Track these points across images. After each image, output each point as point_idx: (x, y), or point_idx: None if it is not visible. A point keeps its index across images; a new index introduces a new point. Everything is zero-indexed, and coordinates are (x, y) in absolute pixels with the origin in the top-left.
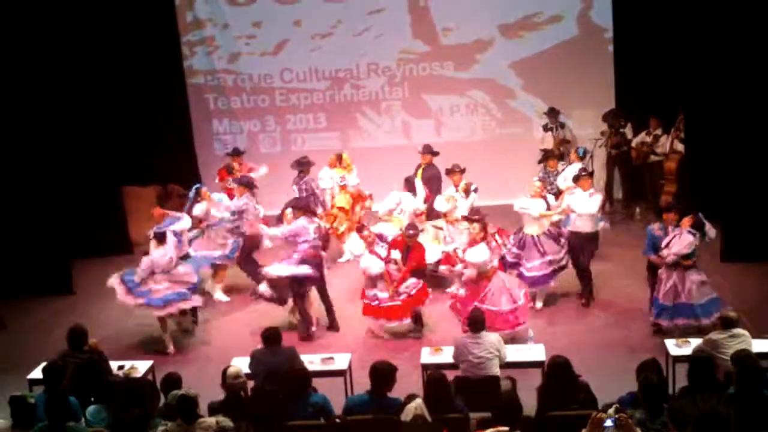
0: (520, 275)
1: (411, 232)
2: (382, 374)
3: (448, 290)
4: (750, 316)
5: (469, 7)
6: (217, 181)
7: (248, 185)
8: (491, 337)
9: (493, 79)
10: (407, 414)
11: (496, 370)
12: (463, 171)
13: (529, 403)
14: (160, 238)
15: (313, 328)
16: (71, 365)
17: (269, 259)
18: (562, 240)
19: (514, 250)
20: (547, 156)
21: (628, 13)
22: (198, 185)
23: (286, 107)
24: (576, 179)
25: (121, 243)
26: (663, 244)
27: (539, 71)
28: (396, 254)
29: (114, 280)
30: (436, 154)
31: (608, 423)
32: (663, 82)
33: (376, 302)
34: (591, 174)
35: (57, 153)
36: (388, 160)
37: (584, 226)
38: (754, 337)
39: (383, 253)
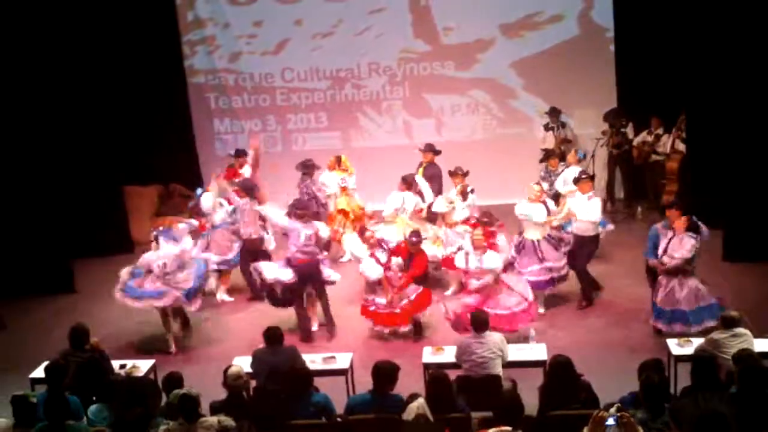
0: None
1: (414, 239)
2: (385, 373)
3: (446, 293)
4: (751, 315)
5: (470, 6)
6: (221, 178)
7: (248, 189)
8: (494, 337)
9: (494, 79)
10: (409, 413)
11: (498, 370)
12: (465, 174)
13: (530, 403)
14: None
15: (314, 328)
16: (73, 364)
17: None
18: (563, 247)
19: (513, 253)
20: (548, 155)
21: (629, 13)
22: (201, 190)
23: (287, 107)
24: (576, 182)
25: (122, 242)
26: (661, 249)
27: (540, 71)
28: (398, 261)
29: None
30: (437, 152)
31: (610, 422)
32: (664, 81)
33: (374, 308)
34: (591, 177)
35: (58, 152)
36: (389, 160)
37: (585, 230)
38: (755, 336)
39: (383, 258)
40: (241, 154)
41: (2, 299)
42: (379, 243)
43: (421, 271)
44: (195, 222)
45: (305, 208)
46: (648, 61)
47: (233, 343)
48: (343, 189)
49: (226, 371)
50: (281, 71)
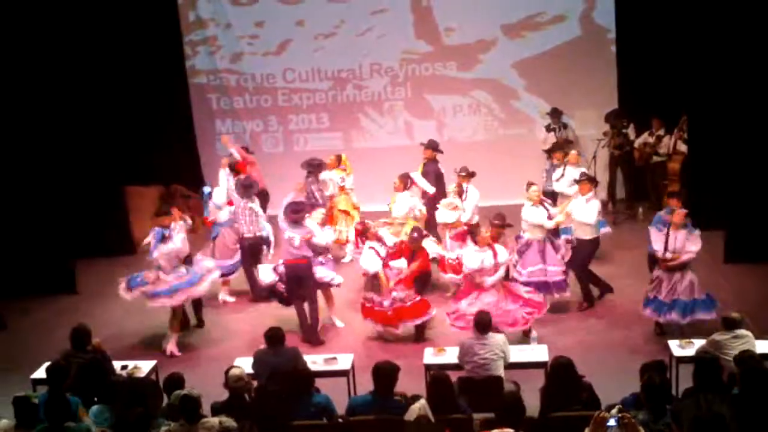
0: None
1: (416, 235)
2: (385, 374)
3: (447, 294)
4: (752, 317)
5: (472, 7)
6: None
7: (245, 188)
8: (497, 338)
9: (495, 80)
10: (411, 414)
11: (500, 371)
12: (471, 174)
13: (532, 404)
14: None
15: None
16: (74, 365)
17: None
18: (561, 251)
19: (515, 256)
20: (554, 149)
21: (630, 14)
22: (209, 189)
23: (289, 107)
24: (576, 182)
25: (123, 243)
26: (661, 245)
27: (542, 71)
28: (401, 263)
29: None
30: (437, 150)
31: (611, 422)
32: (666, 82)
33: (370, 305)
34: (591, 179)
35: (60, 153)
36: (390, 161)
37: (583, 233)
38: (757, 338)
39: (383, 251)
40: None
41: (4, 299)
42: (377, 239)
43: (424, 269)
44: (189, 220)
45: (300, 211)
46: (649, 63)
47: (234, 343)
48: (341, 188)
49: (227, 372)
50: (283, 72)
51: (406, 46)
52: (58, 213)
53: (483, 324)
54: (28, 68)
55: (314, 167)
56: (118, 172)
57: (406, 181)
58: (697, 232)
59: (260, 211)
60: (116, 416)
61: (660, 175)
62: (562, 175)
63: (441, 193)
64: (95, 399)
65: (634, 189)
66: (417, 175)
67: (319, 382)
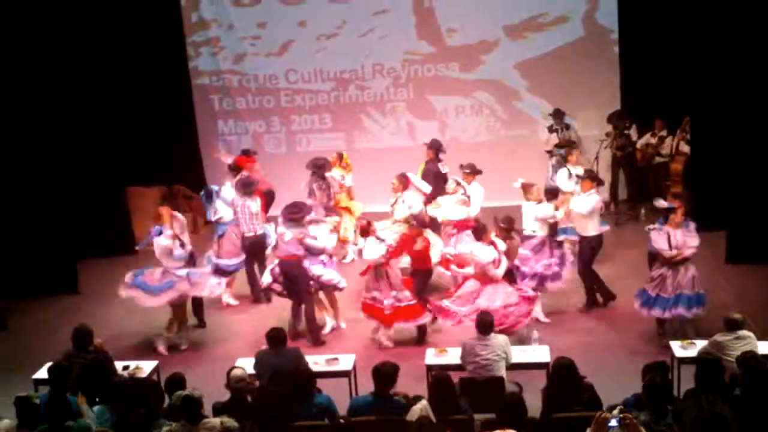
0: (519, 271)
1: (415, 222)
2: (384, 374)
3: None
4: (754, 318)
5: (474, 7)
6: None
7: (243, 186)
8: (499, 339)
9: (498, 81)
10: (412, 415)
11: (502, 372)
12: (475, 172)
13: (533, 405)
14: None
15: (325, 330)
16: (76, 365)
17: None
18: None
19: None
20: (563, 145)
21: (633, 15)
22: (215, 187)
23: (291, 108)
24: (579, 178)
25: (125, 243)
26: (666, 245)
27: (544, 72)
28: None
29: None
30: (440, 151)
31: (613, 423)
32: (668, 83)
33: (371, 301)
34: (593, 177)
35: (62, 153)
36: (392, 162)
37: (582, 229)
38: (759, 338)
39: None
40: (246, 153)
41: (6, 300)
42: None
43: (424, 263)
44: (182, 217)
45: (298, 212)
46: (652, 63)
47: (236, 344)
48: (341, 186)
49: (229, 373)
50: (285, 72)
51: (408, 46)
52: (61, 213)
53: (484, 325)
54: (32, 69)
55: (318, 168)
56: (120, 172)
57: (404, 182)
58: (693, 225)
59: (258, 210)
60: (118, 416)
61: (662, 176)
62: (570, 174)
63: (438, 193)
64: (97, 399)
65: (637, 190)
66: (413, 176)
67: (321, 383)
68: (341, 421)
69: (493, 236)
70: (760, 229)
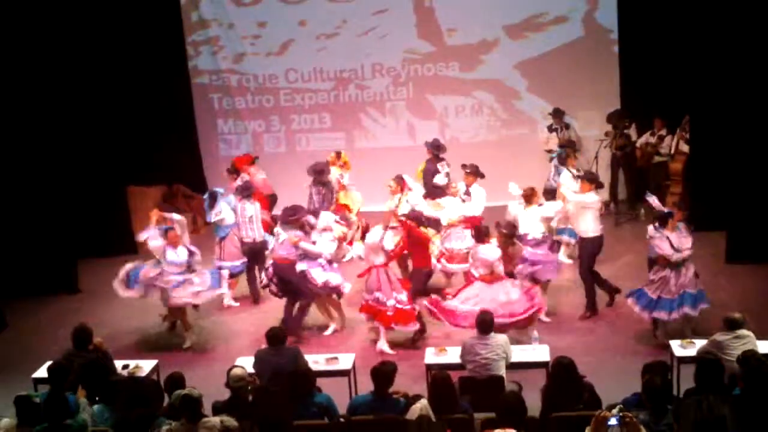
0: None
1: (413, 214)
2: (383, 374)
3: (447, 290)
4: (754, 317)
5: (474, 7)
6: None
7: (241, 190)
8: (499, 339)
9: (498, 80)
10: (412, 414)
11: (502, 371)
12: (476, 174)
13: (533, 404)
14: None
15: (328, 332)
16: (76, 364)
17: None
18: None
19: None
20: (567, 145)
21: (633, 14)
22: (220, 190)
23: (291, 107)
24: (577, 178)
25: (125, 243)
26: (670, 248)
27: (544, 72)
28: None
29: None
30: (440, 150)
31: (612, 421)
32: (668, 83)
33: (374, 303)
34: (591, 179)
35: (62, 153)
36: (392, 161)
37: (584, 231)
38: (758, 338)
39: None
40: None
41: (6, 299)
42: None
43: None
44: (182, 218)
45: (294, 215)
46: (652, 63)
47: (236, 343)
48: (340, 184)
49: (229, 372)
50: (285, 72)
51: (408, 46)
52: (61, 213)
53: (484, 324)
54: (32, 69)
55: (317, 173)
56: (120, 172)
57: (400, 184)
58: (683, 226)
59: (255, 214)
60: (117, 416)
61: (662, 176)
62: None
63: (437, 195)
64: (96, 398)
65: (636, 189)
66: (408, 177)
67: (321, 382)
68: (341, 420)
69: (493, 242)
70: (760, 228)
